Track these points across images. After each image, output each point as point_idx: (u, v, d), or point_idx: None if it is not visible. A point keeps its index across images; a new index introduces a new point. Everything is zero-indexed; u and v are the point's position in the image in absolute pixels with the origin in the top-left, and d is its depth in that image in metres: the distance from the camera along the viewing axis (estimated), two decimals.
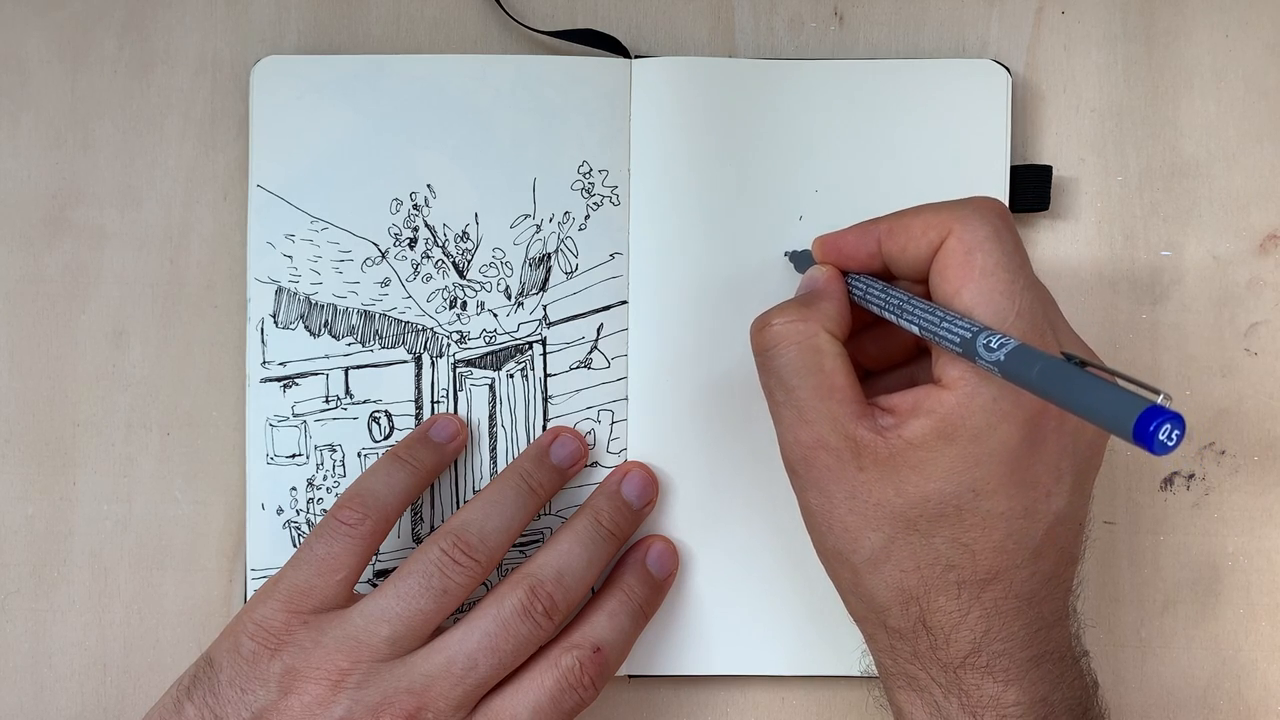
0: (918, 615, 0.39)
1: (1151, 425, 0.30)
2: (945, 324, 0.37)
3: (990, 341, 0.35)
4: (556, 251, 0.48)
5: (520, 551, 0.48)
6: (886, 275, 0.42)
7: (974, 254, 0.38)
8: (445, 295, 0.48)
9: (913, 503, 0.38)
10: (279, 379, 0.48)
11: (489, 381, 0.48)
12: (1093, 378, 0.33)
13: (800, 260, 0.46)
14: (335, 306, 0.48)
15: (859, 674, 0.46)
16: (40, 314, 0.49)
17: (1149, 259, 0.49)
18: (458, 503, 0.48)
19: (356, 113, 0.48)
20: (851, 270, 0.42)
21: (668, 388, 0.48)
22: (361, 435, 0.48)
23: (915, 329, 0.38)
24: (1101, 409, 0.32)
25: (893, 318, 0.40)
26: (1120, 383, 0.33)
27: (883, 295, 0.40)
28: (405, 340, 0.48)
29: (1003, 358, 0.35)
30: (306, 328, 0.48)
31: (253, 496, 0.48)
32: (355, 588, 0.43)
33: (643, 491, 0.47)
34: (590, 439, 0.48)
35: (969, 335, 0.36)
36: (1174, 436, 0.30)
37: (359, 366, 0.48)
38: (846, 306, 0.41)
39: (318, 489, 0.48)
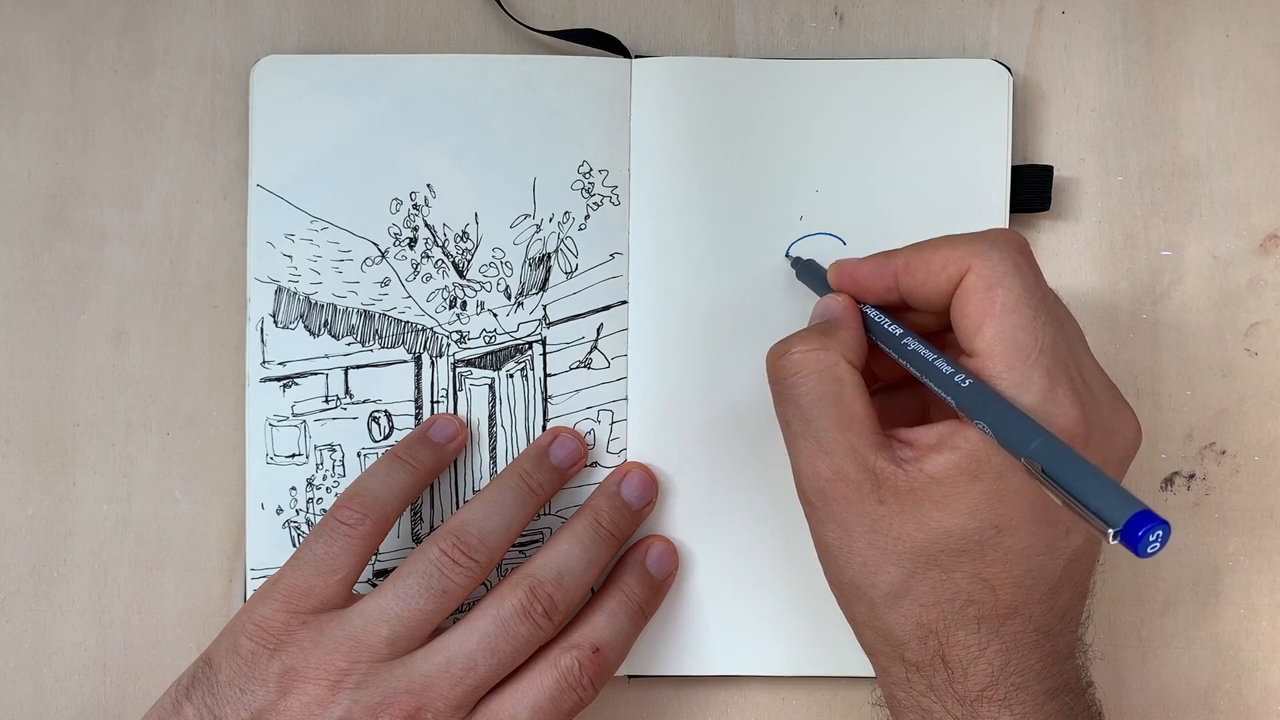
0: (936, 649, 0.39)
1: (1141, 530, 0.31)
2: (945, 388, 0.38)
3: (981, 425, 0.36)
4: (556, 251, 0.48)
5: (520, 551, 0.48)
6: (904, 306, 0.41)
7: (994, 290, 0.38)
8: (445, 295, 0.48)
9: (934, 538, 0.38)
10: (279, 379, 0.48)
11: (489, 381, 0.48)
12: (1084, 471, 0.33)
13: (802, 268, 0.46)
14: (335, 306, 0.48)
15: (858, 675, 0.46)
16: (40, 314, 0.49)
17: (1149, 259, 0.49)
18: (458, 503, 0.48)
19: (356, 113, 0.48)
20: (867, 301, 0.42)
21: (668, 388, 0.48)
22: (361, 435, 0.48)
23: (929, 384, 0.39)
24: (1091, 504, 0.32)
25: (897, 359, 0.40)
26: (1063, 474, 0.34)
27: (895, 343, 0.40)
28: (405, 340, 0.48)
29: (989, 433, 0.36)
30: (306, 327, 0.48)
31: (252, 496, 0.48)
32: (355, 588, 0.43)
33: (642, 492, 0.47)
34: (590, 439, 0.48)
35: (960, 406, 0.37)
36: (1160, 541, 0.31)
37: (359, 366, 0.48)
38: (863, 336, 0.41)
39: (317, 489, 0.48)
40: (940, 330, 0.41)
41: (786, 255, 0.48)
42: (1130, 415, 0.40)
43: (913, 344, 0.39)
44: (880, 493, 0.38)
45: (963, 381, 0.37)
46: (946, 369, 0.38)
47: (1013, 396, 0.37)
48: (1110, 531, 0.31)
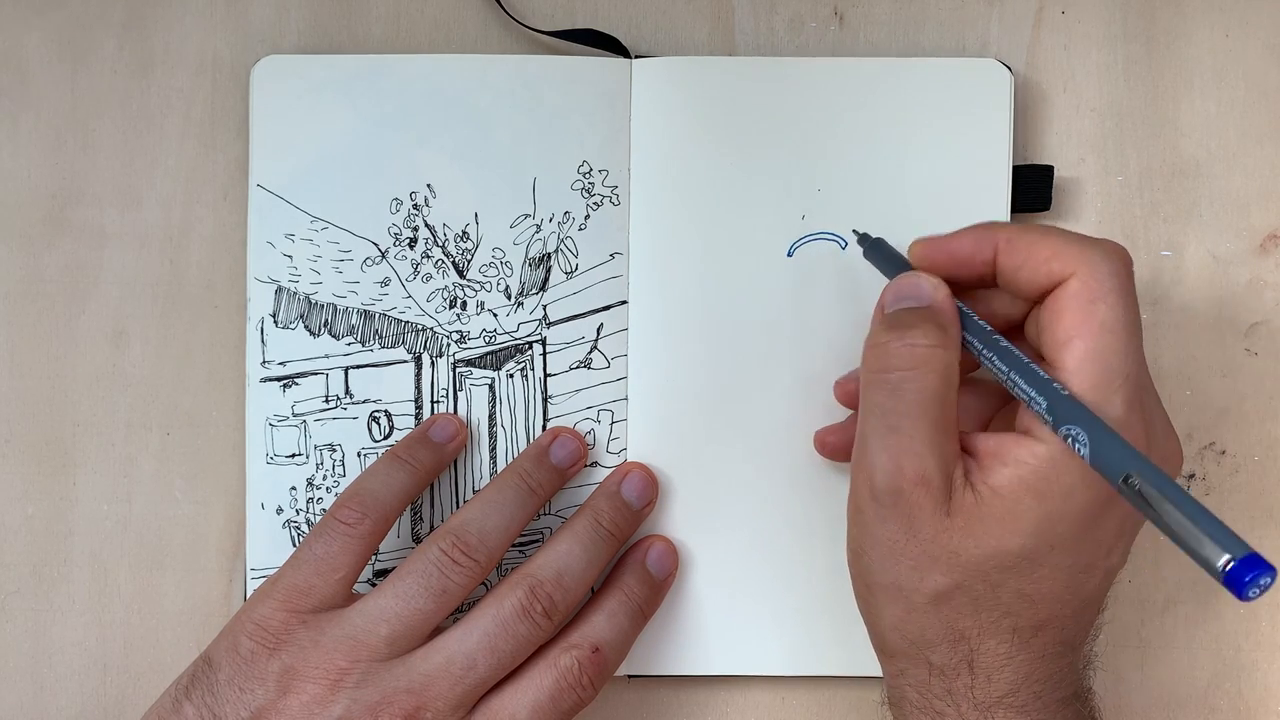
0: (965, 655, 0.38)
1: (1248, 575, 0.31)
2: (1042, 391, 0.36)
3: (1074, 433, 0.35)
4: (556, 251, 0.48)
5: (520, 551, 0.48)
6: (989, 284, 0.40)
7: (1097, 305, 0.37)
8: (445, 295, 0.48)
9: (989, 554, 0.37)
10: (279, 379, 0.48)
11: (489, 381, 0.48)
12: (1188, 503, 0.33)
13: (870, 246, 0.44)
14: (335, 306, 0.48)
15: (859, 675, 0.46)
16: (40, 314, 0.49)
17: (1149, 259, 0.49)
18: (458, 503, 0.48)
19: (356, 113, 0.48)
20: (958, 278, 0.40)
21: (668, 388, 0.48)
22: (361, 435, 0.48)
23: (1018, 386, 0.37)
24: (1199, 537, 0.32)
25: (985, 355, 0.39)
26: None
27: (986, 337, 0.38)
28: (405, 340, 0.48)
29: (1082, 444, 0.35)
30: (306, 327, 0.48)
31: (252, 496, 0.48)
32: (354, 587, 0.43)
33: (642, 492, 0.47)
34: (590, 439, 0.48)
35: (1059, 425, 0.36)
36: (1263, 588, 0.31)
37: (359, 366, 0.48)
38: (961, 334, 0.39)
39: (317, 489, 0.48)
40: (1006, 330, 0.41)
41: (788, 255, 0.48)
42: (1177, 446, 0.40)
43: (1005, 341, 0.38)
44: (950, 504, 0.38)
45: (1061, 389, 0.36)
46: (1044, 373, 0.37)
47: None
48: (1219, 567, 0.31)
